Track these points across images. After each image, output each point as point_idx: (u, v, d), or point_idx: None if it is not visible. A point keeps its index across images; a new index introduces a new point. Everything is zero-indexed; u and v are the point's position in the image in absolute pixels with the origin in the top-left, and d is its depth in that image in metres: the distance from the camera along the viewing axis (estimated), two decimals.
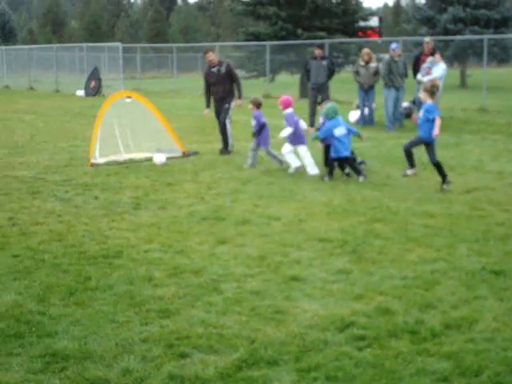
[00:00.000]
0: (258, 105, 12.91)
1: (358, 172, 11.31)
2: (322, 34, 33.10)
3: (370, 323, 5.32)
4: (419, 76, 18.00)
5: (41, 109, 26.75)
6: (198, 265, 6.88)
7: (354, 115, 19.86)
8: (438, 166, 10.46)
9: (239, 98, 14.95)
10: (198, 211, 9.25)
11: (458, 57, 40.23)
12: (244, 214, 9.06)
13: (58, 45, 47.12)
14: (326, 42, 28.72)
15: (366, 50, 19.06)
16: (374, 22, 41.21)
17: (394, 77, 17.91)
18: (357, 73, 18.95)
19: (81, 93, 34.56)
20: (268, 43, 31.87)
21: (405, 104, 19.21)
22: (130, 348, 4.97)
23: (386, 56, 18.43)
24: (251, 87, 34.88)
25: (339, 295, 5.97)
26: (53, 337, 5.15)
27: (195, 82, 37.47)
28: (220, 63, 14.97)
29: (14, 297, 6.02)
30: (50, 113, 24.68)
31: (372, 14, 40.89)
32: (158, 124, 13.99)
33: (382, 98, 19.36)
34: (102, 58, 38.85)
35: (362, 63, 19.03)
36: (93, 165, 12.83)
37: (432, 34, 37.32)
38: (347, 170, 11.54)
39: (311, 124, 19.05)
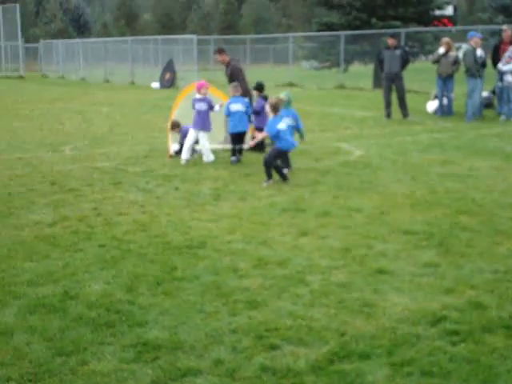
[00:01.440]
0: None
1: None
2: (397, 23, 32.63)
3: (462, 318, 5.20)
4: (500, 65, 17.58)
5: (117, 101, 27.17)
6: (282, 256, 6.85)
7: (432, 105, 19.53)
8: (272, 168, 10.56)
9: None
10: (278, 202, 9.22)
11: None
12: (324, 205, 8.99)
13: (132, 37, 47.74)
14: (402, 31, 28.31)
15: (445, 39, 18.65)
16: (448, 11, 40.45)
17: (478, 66, 17.49)
18: (436, 61, 18.56)
19: (156, 85, 34.95)
20: (342, 33, 31.61)
21: (484, 94, 18.78)
22: (219, 339, 4.98)
23: (464, 45, 17.95)
24: (324, 78, 34.77)
25: (428, 289, 5.86)
26: (143, 326, 5.20)
27: (268, 73, 37.53)
28: (228, 64, 14.26)
29: (102, 286, 6.10)
30: (126, 105, 25.03)
31: (447, 2, 40.06)
32: None
33: (460, 87, 19.01)
34: (176, 51, 39.17)
35: (441, 52, 18.61)
36: (171, 156, 12.94)
37: (509, 23, 36.43)
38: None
39: (388, 115, 18.82)
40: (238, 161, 12.33)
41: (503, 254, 6.74)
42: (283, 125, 10.62)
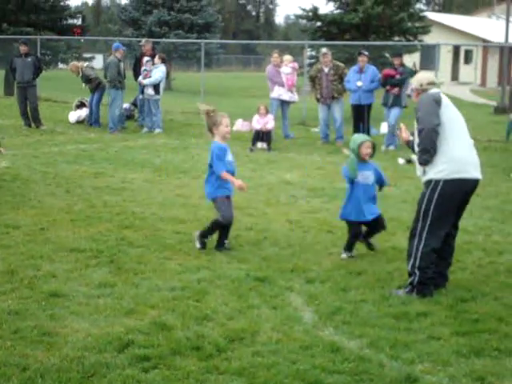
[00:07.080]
0: None
1: None
2: (30, 29, 31.64)
3: (149, 341, 4.99)
4: (141, 78, 17.81)
5: None
6: None
7: (74, 115, 19.15)
8: None
9: None
10: None
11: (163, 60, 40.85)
12: None
13: None
14: (38, 38, 27.53)
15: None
16: (78, 20, 40.53)
17: (121, 78, 17.51)
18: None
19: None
20: None
21: (125, 105, 18.89)
22: None
23: (111, 57, 17.89)
24: None
25: (108, 311, 5.56)
26: None
27: None
28: None
29: None
30: None
31: (78, 12, 39.93)
32: None
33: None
34: None
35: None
36: None
37: (138, 36, 37.54)
38: None
39: (29, 124, 18.03)
40: None
41: (176, 269, 6.68)
42: None
